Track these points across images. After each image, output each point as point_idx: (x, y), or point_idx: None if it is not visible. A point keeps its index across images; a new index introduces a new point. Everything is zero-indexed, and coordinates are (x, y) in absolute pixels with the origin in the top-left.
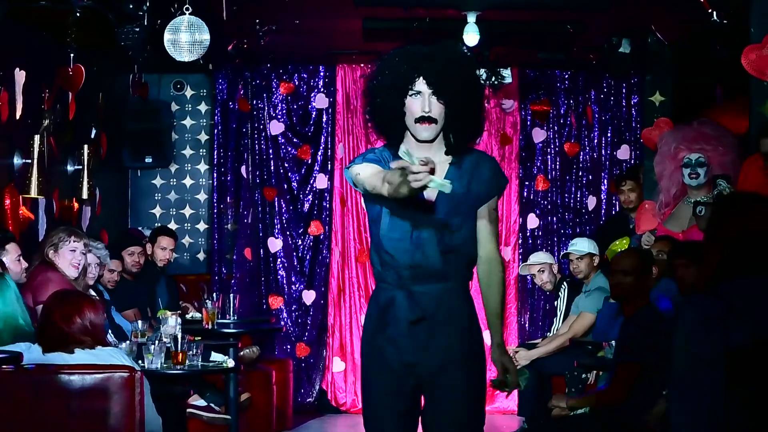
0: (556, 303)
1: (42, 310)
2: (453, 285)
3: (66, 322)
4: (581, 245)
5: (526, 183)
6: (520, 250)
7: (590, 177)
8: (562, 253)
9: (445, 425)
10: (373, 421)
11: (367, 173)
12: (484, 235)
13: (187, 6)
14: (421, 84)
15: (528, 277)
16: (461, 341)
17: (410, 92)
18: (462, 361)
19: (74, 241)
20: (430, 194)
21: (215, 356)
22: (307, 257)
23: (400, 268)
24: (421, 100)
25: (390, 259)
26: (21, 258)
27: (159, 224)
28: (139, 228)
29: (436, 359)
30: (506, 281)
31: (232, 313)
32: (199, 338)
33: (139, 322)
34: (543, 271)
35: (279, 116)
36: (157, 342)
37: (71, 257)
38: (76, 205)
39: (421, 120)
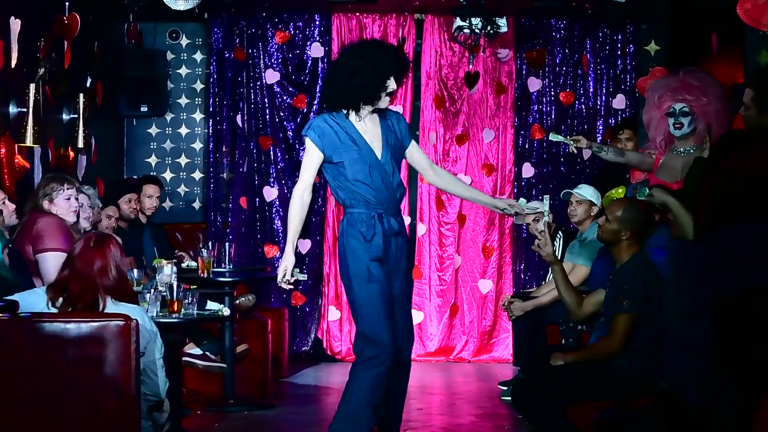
0: None
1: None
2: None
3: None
4: (585, 191)
5: (522, 132)
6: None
7: (585, 126)
8: (563, 192)
9: (398, 308)
10: (364, 293)
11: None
12: (419, 159)
13: None
14: (391, 80)
15: (523, 226)
16: (401, 250)
17: (386, 83)
18: (403, 262)
19: (68, 189)
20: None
21: (211, 305)
22: None
23: (369, 195)
24: (392, 83)
25: (362, 190)
26: (6, 201)
27: (154, 173)
28: (134, 177)
29: (395, 258)
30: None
31: (227, 262)
32: (195, 287)
33: (135, 270)
34: (537, 220)
35: (274, 65)
36: (152, 291)
37: (68, 205)
38: (71, 153)
39: (389, 94)
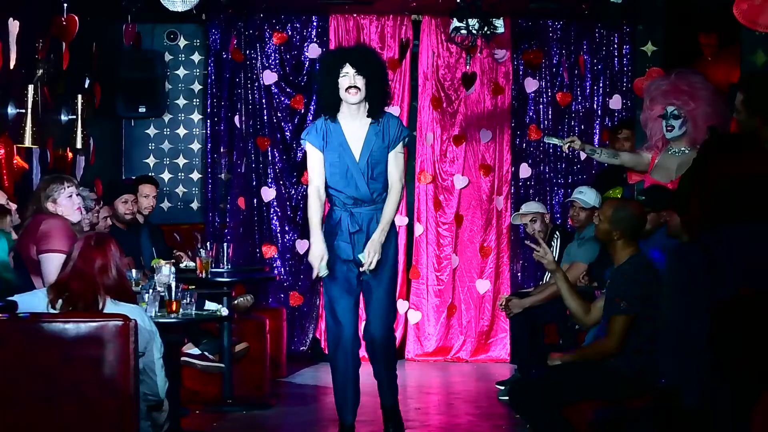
0: None
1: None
2: (379, 206)
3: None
4: (589, 197)
5: (518, 132)
6: (513, 200)
7: (582, 126)
8: (567, 199)
9: (373, 297)
10: (330, 292)
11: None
12: (390, 170)
13: None
14: (348, 67)
15: (520, 226)
16: (384, 244)
17: (341, 74)
18: (384, 257)
19: (68, 187)
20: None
21: (209, 305)
22: (300, 206)
23: (343, 197)
24: (349, 77)
25: (336, 192)
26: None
27: (152, 174)
28: (132, 177)
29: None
30: (402, 201)
31: (225, 262)
32: (193, 287)
33: (134, 270)
34: (535, 220)
35: (272, 66)
36: (151, 291)
37: (71, 203)
38: (70, 154)
39: (348, 89)
